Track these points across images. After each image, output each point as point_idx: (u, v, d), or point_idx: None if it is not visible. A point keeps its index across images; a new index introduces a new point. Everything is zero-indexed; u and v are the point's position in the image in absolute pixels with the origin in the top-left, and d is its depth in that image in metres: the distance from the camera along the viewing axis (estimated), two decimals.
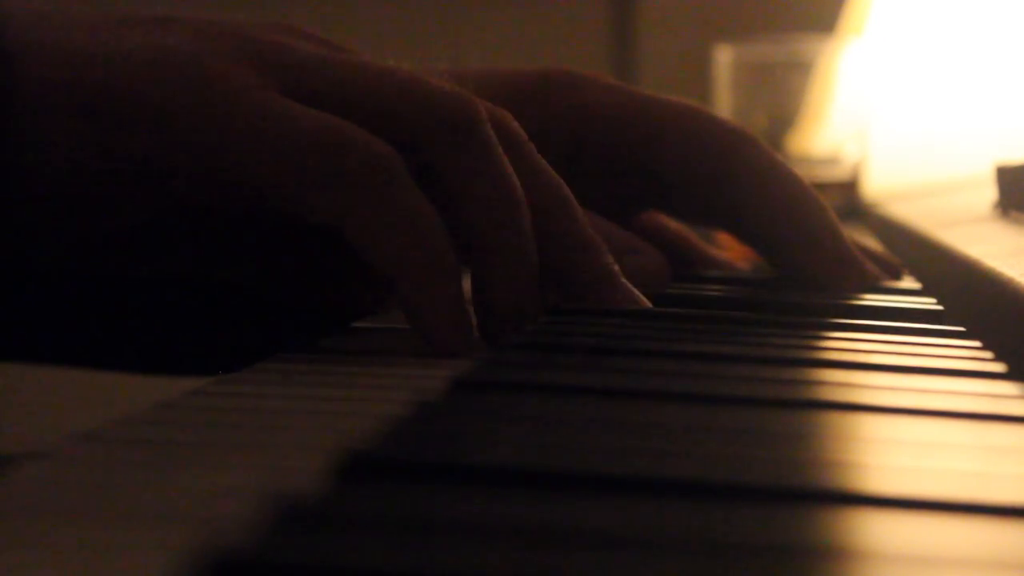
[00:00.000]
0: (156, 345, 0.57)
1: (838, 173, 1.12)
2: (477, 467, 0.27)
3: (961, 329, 0.48)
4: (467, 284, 0.46)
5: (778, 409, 0.34)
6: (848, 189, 1.12)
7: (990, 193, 0.76)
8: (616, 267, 0.48)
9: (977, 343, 0.45)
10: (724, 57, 1.13)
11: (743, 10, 1.75)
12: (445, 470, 0.27)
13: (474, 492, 0.25)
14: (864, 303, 0.55)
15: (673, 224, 0.66)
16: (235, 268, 0.49)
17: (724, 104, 1.13)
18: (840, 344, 0.45)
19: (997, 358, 0.42)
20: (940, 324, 0.49)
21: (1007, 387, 0.38)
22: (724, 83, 1.13)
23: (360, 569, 0.21)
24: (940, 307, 0.53)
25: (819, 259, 0.58)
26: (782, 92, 1.12)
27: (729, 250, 0.73)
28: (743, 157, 0.59)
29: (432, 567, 0.21)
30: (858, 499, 0.26)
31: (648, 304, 0.48)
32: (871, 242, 0.93)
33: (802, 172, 0.63)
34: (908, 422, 0.34)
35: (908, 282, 0.65)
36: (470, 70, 0.60)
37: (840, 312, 0.52)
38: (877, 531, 0.24)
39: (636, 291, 0.48)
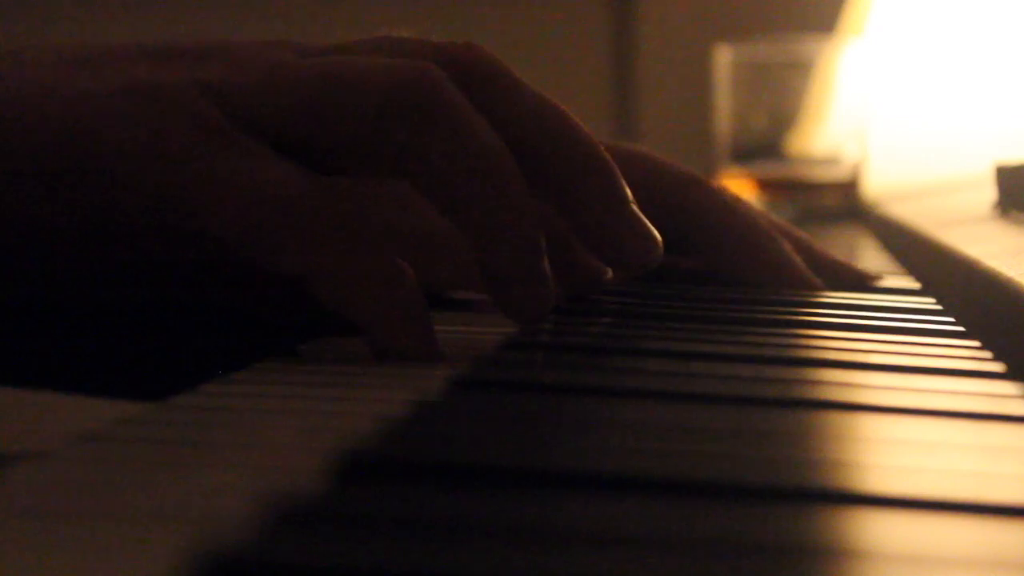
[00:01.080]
0: (127, 368, 0.57)
1: (838, 173, 1.12)
2: (477, 467, 0.27)
3: (961, 329, 0.48)
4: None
5: (778, 409, 0.34)
6: (848, 189, 1.12)
7: (990, 193, 0.76)
8: (627, 192, 0.45)
9: (977, 343, 0.45)
10: (724, 57, 1.13)
11: (743, 10, 1.75)
12: (445, 470, 0.27)
13: (474, 492, 0.25)
14: (864, 303, 0.55)
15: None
16: (207, 299, 0.49)
17: (724, 104, 1.13)
18: (840, 344, 0.45)
19: (997, 358, 0.42)
20: (940, 324, 0.49)
21: (1006, 387, 0.38)
22: (724, 83, 1.13)
23: (360, 569, 0.21)
24: (940, 307, 0.54)
25: (757, 266, 0.59)
26: (782, 92, 1.12)
27: None
28: (693, 195, 0.59)
29: (432, 567, 0.21)
30: (858, 499, 0.26)
31: (653, 231, 0.46)
32: (870, 242, 0.93)
33: (802, 172, 0.63)
34: (908, 422, 0.34)
35: (908, 282, 0.65)
36: None
37: (840, 312, 0.52)
38: (877, 531, 0.24)
39: (643, 218, 0.46)
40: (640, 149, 0.60)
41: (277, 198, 0.41)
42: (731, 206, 0.59)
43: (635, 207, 0.46)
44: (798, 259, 0.60)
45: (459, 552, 0.22)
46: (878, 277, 0.64)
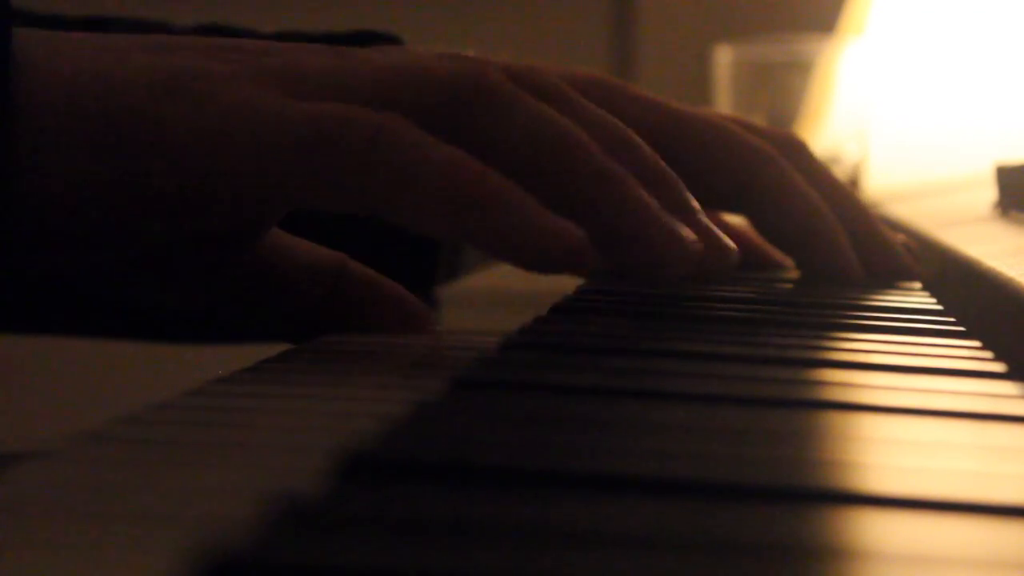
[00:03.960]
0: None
1: (838, 173, 1.12)
2: (477, 467, 0.27)
3: (961, 329, 0.48)
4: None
5: (778, 409, 0.34)
6: None
7: (990, 193, 0.76)
8: (647, 197, 0.45)
9: (977, 343, 0.45)
10: (724, 57, 1.13)
11: (743, 10, 1.75)
12: (445, 470, 0.27)
13: (474, 492, 0.25)
14: (864, 303, 0.55)
15: (735, 222, 0.67)
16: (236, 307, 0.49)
17: (724, 104, 1.13)
18: (840, 344, 0.45)
19: (997, 358, 0.42)
20: (940, 324, 0.49)
21: (1007, 387, 0.38)
22: (724, 83, 1.13)
23: (360, 569, 0.21)
24: (940, 307, 0.53)
25: (809, 259, 0.61)
26: (782, 92, 1.12)
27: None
28: (761, 178, 0.60)
29: (432, 567, 0.21)
30: (858, 499, 0.26)
31: (731, 245, 0.47)
32: None
33: None
34: (908, 422, 0.34)
35: (908, 282, 0.65)
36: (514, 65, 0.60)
37: (840, 312, 0.52)
38: (877, 531, 0.24)
39: (716, 231, 0.47)
40: (712, 120, 0.61)
41: (318, 130, 0.41)
42: (797, 192, 0.60)
43: (704, 217, 0.47)
44: (851, 255, 0.61)
45: (459, 552, 0.22)
46: (918, 271, 0.64)
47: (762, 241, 0.67)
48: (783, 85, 1.12)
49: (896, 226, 0.85)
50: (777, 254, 0.68)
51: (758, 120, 1.11)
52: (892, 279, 0.63)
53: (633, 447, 0.29)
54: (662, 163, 0.46)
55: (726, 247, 0.47)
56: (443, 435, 0.30)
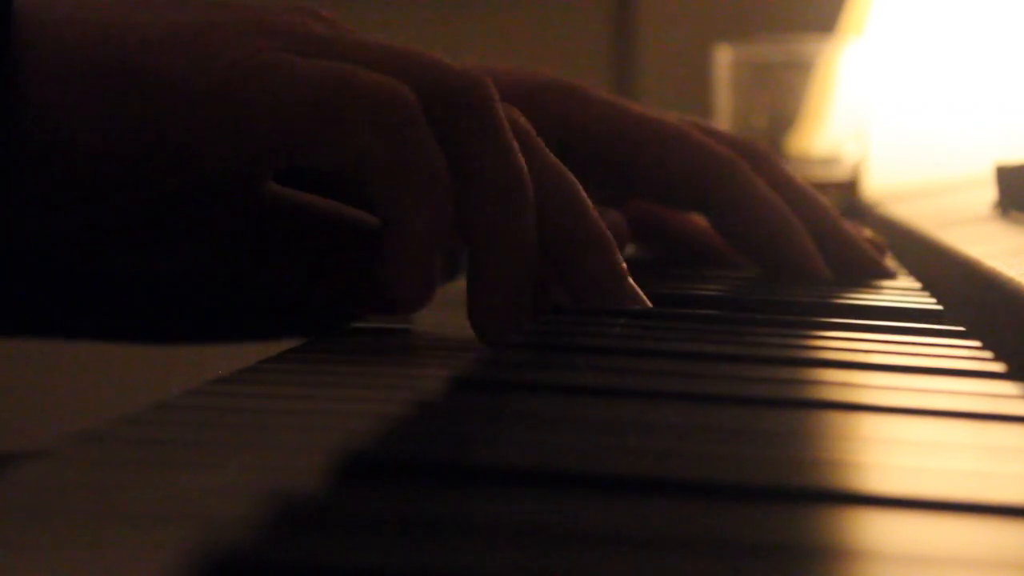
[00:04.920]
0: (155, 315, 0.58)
1: (838, 173, 1.12)
2: (477, 467, 0.27)
3: (961, 329, 0.48)
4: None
5: (778, 409, 0.34)
6: (848, 189, 1.12)
7: (990, 193, 0.76)
8: (624, 265, 0.48)
9: (977, 343, 0.45)
10: (724, 57, 1.13)
11: (743, 10, 1.75)
12: (445, 470, 0.27)
13: (474, 492, 0.25)
14: (864, 303, 0.55)
15: (686, 219, 0.68)
16: (238, 266, 0.49)
17: (724, 104, 1.13)
18: (840, 344, 0.45)
19: (997, 358, 0.42)
20: (940, 324, 0.49)
21: (1007, 387, 0.38)
22: (724, 83, 1.13)
23: (360, 569, 0.21)
24: (940, 307, 0.53)
25: (776, 264, 0.62)
26: (782, 92, 1.12)
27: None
28: (724, 186, 0.61)
29: (432, 567, 0.21)
30: (858, 499, 0.26)
31: (649, 304, 0.48)
32: None
33: (802, 172, 0.64)
34: (908, 422, 0.34)
35: (908, 282, 0.65)
36: (469, 65, 0.60)
37: (840, 312, 0.52)
38: (877, 531, 0.24)
39: (639, 290, 0.48)
40: (676, 127, 0.61)
41: (323, 85, 0.42)
42: (759, 196, 0.61)
43: (631, 282, 0.48)
44: (815, 256, 0.62)
45: (459, 552, 0.22)
46: (889, 272, 0.64)
47: (713, 235, 0.68)
48: (783, 85, 1.12)
49: (896, 226, 0.85)
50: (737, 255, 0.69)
51: (758, 120, 1.11)
52: (862, 276, 0.63)
53: (633, 447, 0.29)
54: (602, 228, 0.47)
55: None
56: (443, 435, 0.30)
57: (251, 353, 0.47)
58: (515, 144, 0.45)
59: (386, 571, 0.21)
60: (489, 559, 0.21)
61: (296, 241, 0.48)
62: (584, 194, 0.47)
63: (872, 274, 0.64)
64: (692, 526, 0.24)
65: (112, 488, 0.27)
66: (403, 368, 0.42)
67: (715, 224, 0.63)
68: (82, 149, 0.42)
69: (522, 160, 0.45)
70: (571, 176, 0.47)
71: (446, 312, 0.51)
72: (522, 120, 0.47)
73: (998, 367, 0.40)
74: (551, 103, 0.61)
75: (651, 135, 0.61)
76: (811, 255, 0.62)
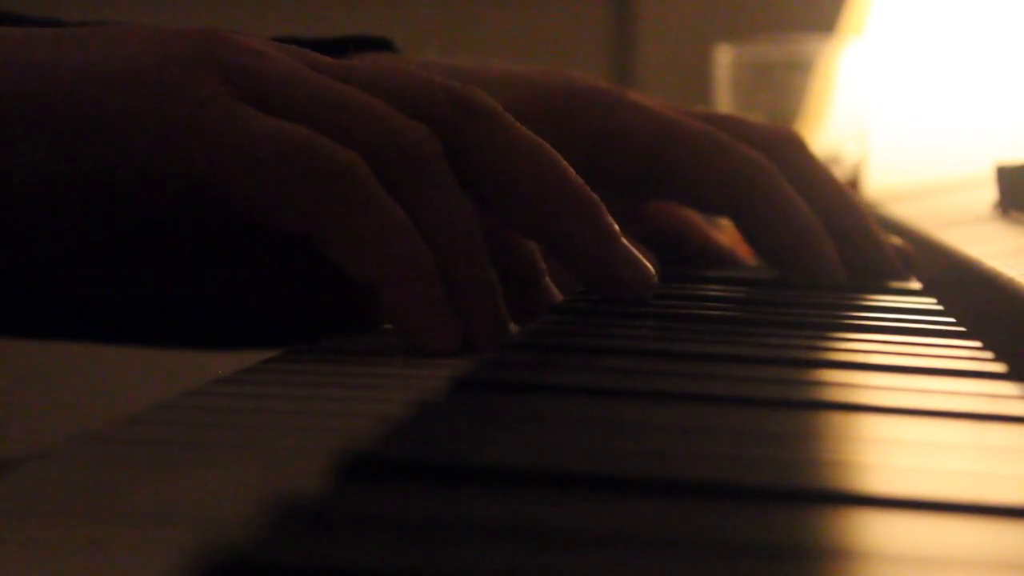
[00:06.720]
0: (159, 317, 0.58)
1: (838, 173, 1.12)
2: (477, 467, 0.27)
3: (961, 329, 0.48)
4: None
5: (778, 409, 0.34)
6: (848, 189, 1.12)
7: (990, 193, 0.76)
8: (615, 228, 0.47)
9: (977, 343, 0.45)
10: (724, 57, 1.13)
11: (743, 10, 1.75)
12: (445, 470, 0.27)
13: (474, 492, 0.25)
14: (864, 303, 0.55)
15: (678, 211, 0.68)
16: (210, 284, 0.49)
17: (724, 104, 1.13)
18: (840, 344, 0.45)
19: (997, 358, 0.42)
20: (940, 324, 0.49)
21: (1007, 387, 0.38)
22: (724, 83, 1.13)
23: (360, 569, 0.21)
24: (940, 307, 0.53)
25: (797, 267, 0.62)
26: (782, 92, 1.12)
27: (732, 236, 0.74)
28: (757, 191, 0.60)
29: (432, 567, 0.21)
30: (858, 499, 0.26)
31: (647, 266, 0.48)
32: None
33: None
34: (908, 422, 0.34)
35: (908, 282, 0.65)
36: (496, 70, 0.60)
37: (840, 312, 0.52)
38: (877, 531, 0.24)
39: (635, 252, 0.48)
40: (709, 131, 0.61)
41: (276, 151, 0.42)
42: (787, 204, 0.61)
43: (624, 241, 0.47)
44: (837, 267, 0.62)
45: (459, 552, 0.22)
46: (907, 276, 0.64)
47: (703, 227, 0.68)
48: (783, 85, 1.12)
49: (896, 226, 0.85)
50: (720, 239, 0.69)
51: (758, 120, 1.11)
52: (881, 280, 0.63)
53: (633, 447, 0.29)
54: (587, 190, 0.47)
55: (645, 272, 0.48)
56: (443, 435, 0.30)
57: (251, 353, 0.47)
58: (451, 192, 0.44)
59: (386, 571, 0.21)
60: (489, 559, 0.21)
61: (262, 260, 0.49)
62: (564, 162, 0.47)
63: (893, 280, 0.64)
64: (692, 526, 0.24)
65: (112, 488, 0.27)
66: (403, 368, 0.42)
67: (740, 227, 0.63)
68: (29, 190, 0.42)
69: (458, 205, 0.44)
70: (548, 147, 0.47)
71: None
72: (484, 102, 0.46)
73: (998, 367, 0.40)
74: (581, 109, 0.61)
75: (685, 137, 0.61)
76: (831, 263, 0.61)
